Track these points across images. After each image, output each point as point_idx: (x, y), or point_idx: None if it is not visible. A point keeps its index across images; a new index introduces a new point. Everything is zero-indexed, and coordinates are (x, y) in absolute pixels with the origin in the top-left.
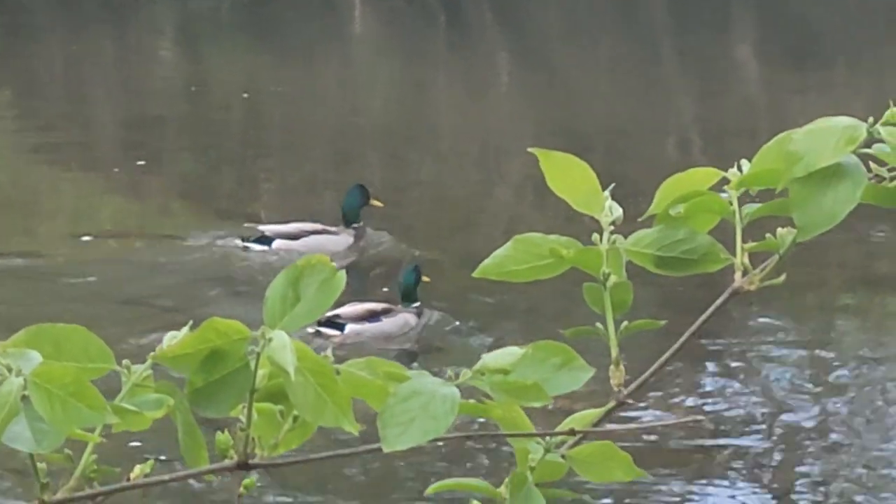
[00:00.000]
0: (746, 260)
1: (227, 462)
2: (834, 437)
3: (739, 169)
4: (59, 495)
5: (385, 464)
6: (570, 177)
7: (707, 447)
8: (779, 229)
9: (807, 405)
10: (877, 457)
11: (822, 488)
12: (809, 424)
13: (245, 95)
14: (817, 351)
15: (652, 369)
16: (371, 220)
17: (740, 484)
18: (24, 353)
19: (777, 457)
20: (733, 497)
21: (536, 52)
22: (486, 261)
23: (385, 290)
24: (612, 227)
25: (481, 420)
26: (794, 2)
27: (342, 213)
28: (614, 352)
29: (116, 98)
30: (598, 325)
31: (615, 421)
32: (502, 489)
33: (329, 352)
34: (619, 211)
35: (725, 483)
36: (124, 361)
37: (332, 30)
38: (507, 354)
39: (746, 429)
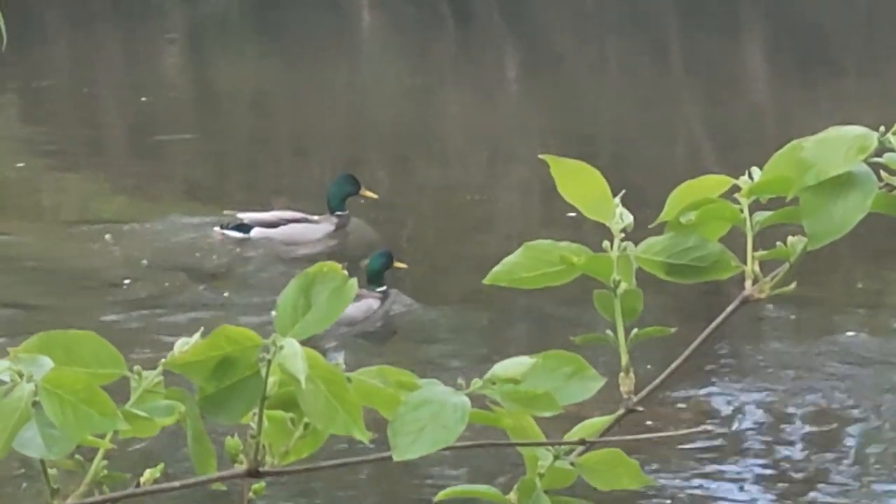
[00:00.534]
0: (757, 268)
1: (237, 469)
2: (847, 443)
3: (750, 177)
4: (70, 501)
5: (395, 471)
6: (580, 183)
7: (717, 454)
8: (789, 237)
9: (818, 413)
10: (887, 463)
11: (832, 495)
12: (821, 431)
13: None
14: (828, 358)
15: (662, 377)
16: (375, 220)
17: (746, 491)
18: (36, 359)
19: (788, 464)
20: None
21: (545, 57)
22: (497, 268)
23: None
24: (622, 234)
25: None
26: (804, 7)
27: (327, 200)
28: (624, 359)
29: (119, 96)
30: (609, 332)
31: (625, 428)
32: (511, 496)
33: (341, 359)
34: (629, 218)
35: (731, 491)
36: (135, 367)
37: (340, 33)
38: (518, 364)
39: (757, 436)
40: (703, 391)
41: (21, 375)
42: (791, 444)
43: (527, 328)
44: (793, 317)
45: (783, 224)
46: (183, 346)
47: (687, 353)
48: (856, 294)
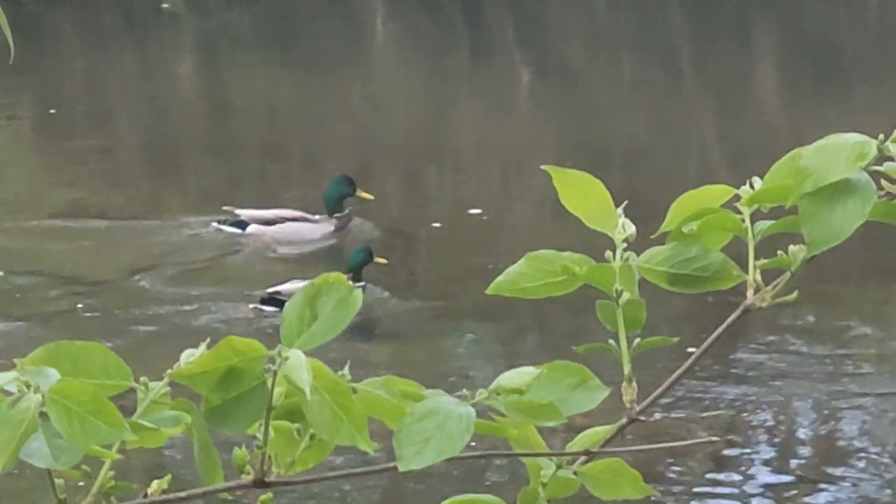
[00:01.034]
0: (759, 277)
1: (243, 479)
2: (851, 453)
3: (751, 186)
4: None
5: (400, 481)
6: (583, 194)
7: (721, 464)
8: (790, 246)
9: (823, 422)
10: (890, 466)
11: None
12: (826, 442)
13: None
14: (832, 365)
15: (665, 386)
16: (387, 232)
17: (753, 501)
18: (43, 370)
19: (792, 475)
20: None
21: (558, 69)
22: (500, 277)
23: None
24: (625, 245)
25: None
26: (816, 20)
27: (324, 202)
28: (627, 368)
29: (131, 107)
30: (611, 341)
31: (627, 438)
32: None
33: (346, 370)
34: (631, 228)
35: (737, 501)
36: (142, 378)
37: (354, 44)
38: (523, 374)
39: (762, 446)
40: (707, 401)
41: (28, 386)
42: (796, 454)
43: (534, 339)
44: (799, 324)
45: (786, 233)
46: (189, 357)
47: (690, 362)
48: (863, 298)
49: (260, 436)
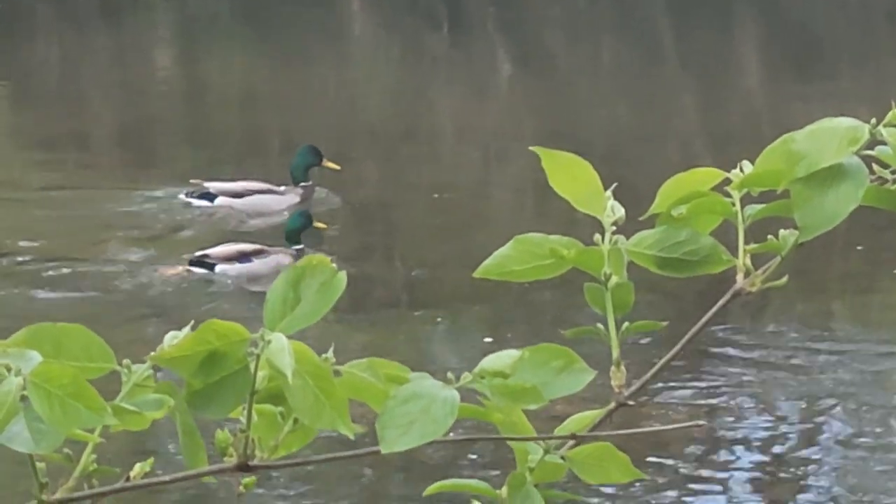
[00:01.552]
0: (748, 261)
1: (226, 463)
2: (835, 438)
3: (741, 170)
4: (58, 495)
5: (385, 466)
6: (571, 176)
7: (706, 448)
8: (781, 231)
9: (808, 408)
10: (879, 459)
11: (822, 491)
12: (810, 427)
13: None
14: (819, 354)
15: (653, 370)
16: (366, 217)
17: (738, 486)
18: (24, 352)
19: (780, 459)
20: (731, 499)
21: (538, 54)
22: (487, 260)
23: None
24: (613, 228)
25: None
26: (797, 4)
27: (290, 172)
28: (615, 352)
29: (106, 91)
30: (599, 325)
31: (615, 422)
32: (502, 490)
33: (330, 353)
34: (620, 211)
35: (723, 485)
36: (125, 361)
37: (332, 30)
38: (506, 357)
39: (750, 431)
40: (695, 385)
41: (9, 369)
42: (784, 438)
43: (521, 323)
44: (788, 309)
45: (775, 217)
46: (172, 340)
47: (679, 346)
48: (849, 286)
49: (243, 419)
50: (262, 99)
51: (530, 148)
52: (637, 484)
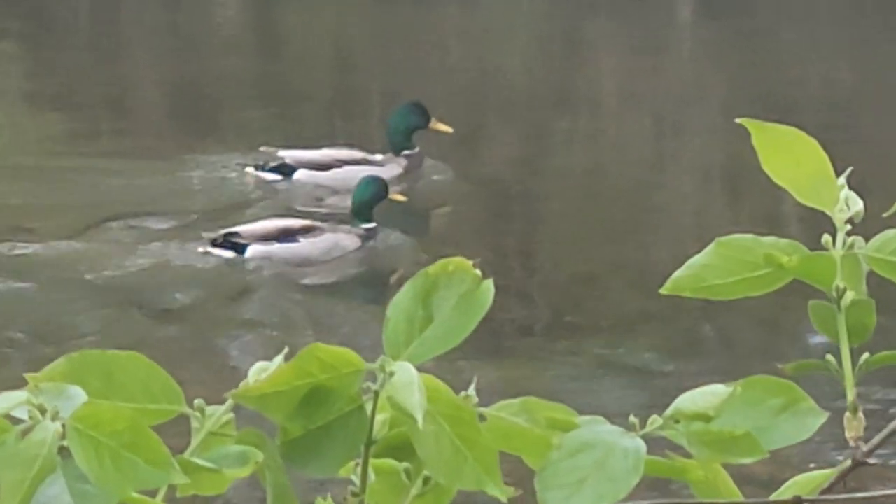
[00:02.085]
0: None
1: None
2: None
3: None
4: None
5: None
6: (793, 158)
7: None
8: None
9: None
10: None
11: None
12: None
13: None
14: None
15: None
16: (495, 206)
17: None
18: (64, 389)
19: None
20: None
21: None
22: (680, 272)
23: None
24: (848, 227)
25: None
26: None
27: (388, 136)
28: (850, 393)
29: (158, 39)
30: (830, 357)
31: (851, 486)
32: None
33: (472, 391)
34: (858, 204)
35: None
36: (196, 402)
37: None
38: (710, 394)
39: None
40: None
41: (43, 411)
42: None
43: (710, 353)
44: None
45: None
46: (260, 372)
47: None
48: None
49: (356, 479)
50: (358, 50)
51: (737, 120)
52: None
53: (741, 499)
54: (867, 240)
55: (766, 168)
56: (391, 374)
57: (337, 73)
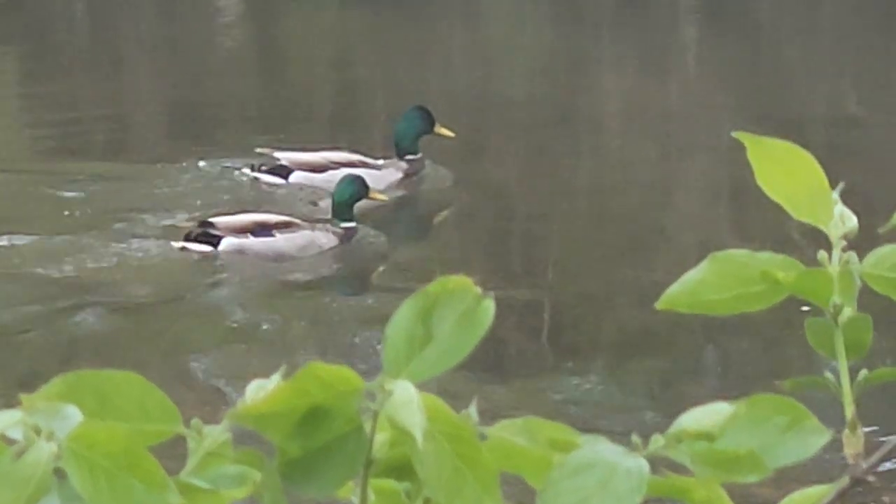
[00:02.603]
0: None
1: None
2: None
3: None
4: None
5: None
6: (788, 172)
7: None
8: None
9: None
10: None
11: None
12: None
13: None
14: None
15: None
16: (503, 230)
17: None
18: (59, 409)
19: None
20: None
21: (733, 11)
22: (674, 287)
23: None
24: (843, 243)
25: None
26: None
27: (395, 141)
28: (849, 410)
29: (154, 50)
30: (828, 374)
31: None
32: None
33: (472, 410)
34: (853, 220)
35: None
36: (193, 422)
37: None
38: (714, 413)
39: None
40: None
41: (38, 432)
42: None
43: (711, 373)
44: None
45: None
46: (258, 390)
47: None
48: None
49: (355, 499)
50: (358, 62)
51: (733, 133)
52: None
53: None
54: (861, 256)
55: (760, 182)
56: (390, 393)
57: (338, 86)
